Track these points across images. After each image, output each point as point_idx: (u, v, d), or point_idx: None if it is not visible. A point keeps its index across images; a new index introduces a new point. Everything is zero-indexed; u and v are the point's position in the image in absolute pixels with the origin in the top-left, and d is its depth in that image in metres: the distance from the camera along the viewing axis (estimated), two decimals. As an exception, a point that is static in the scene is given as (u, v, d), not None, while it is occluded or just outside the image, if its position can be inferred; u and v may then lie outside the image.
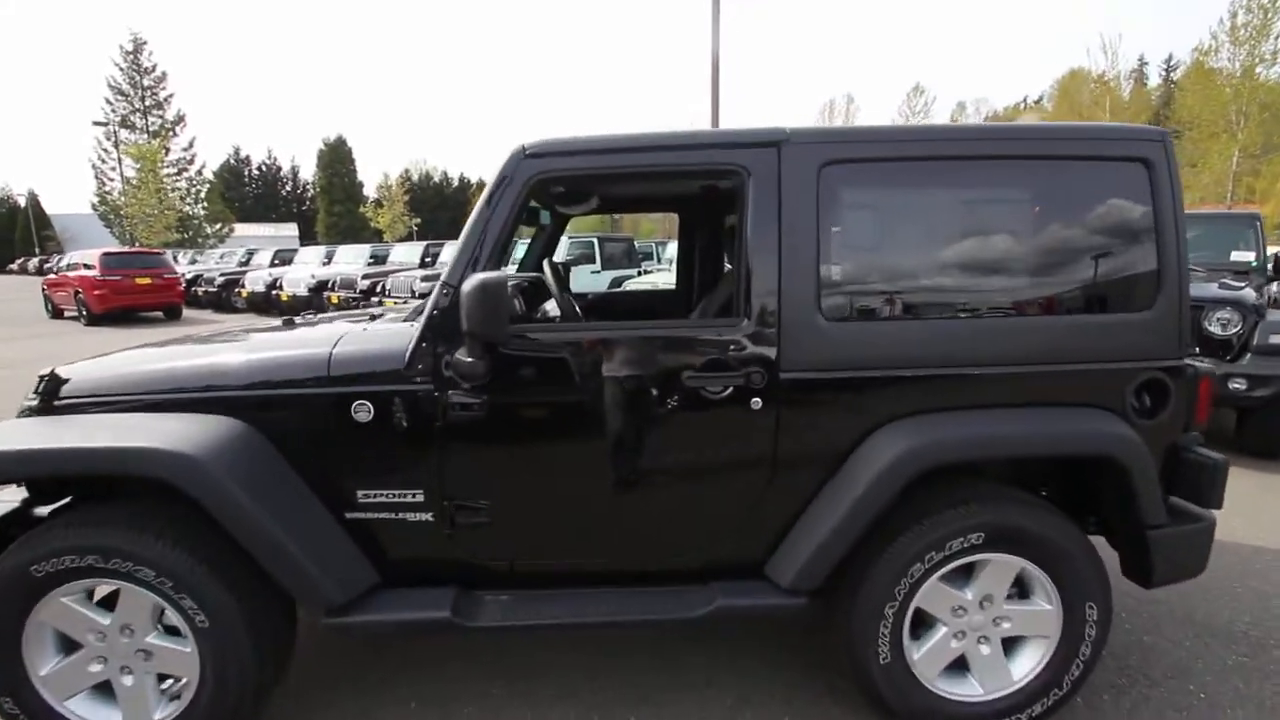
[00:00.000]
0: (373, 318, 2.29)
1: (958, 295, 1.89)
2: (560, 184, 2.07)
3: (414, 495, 1.88)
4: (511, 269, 3.24)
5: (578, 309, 2.32)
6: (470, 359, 1.76)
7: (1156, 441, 1.92)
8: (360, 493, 1.89)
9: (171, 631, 1.83)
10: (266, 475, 1.80)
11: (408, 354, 1.84)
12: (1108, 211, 1.90)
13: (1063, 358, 1.88)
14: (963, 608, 1.92)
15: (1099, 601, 1.91)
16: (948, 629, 1.92)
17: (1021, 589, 1.96)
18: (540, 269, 3.01)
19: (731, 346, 1.85)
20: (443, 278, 1.84)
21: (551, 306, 2.21)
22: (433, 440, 1.85)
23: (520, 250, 3.91)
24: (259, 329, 2.41)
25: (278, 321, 2.46)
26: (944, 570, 1.87)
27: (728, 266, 3.28)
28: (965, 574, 1.92)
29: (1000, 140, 1.86)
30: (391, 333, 1.97)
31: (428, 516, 1.89)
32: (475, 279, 1.66)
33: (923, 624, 1.94)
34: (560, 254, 10.51)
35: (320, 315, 2.61)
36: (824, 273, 1.83)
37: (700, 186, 2.99)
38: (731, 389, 1.84)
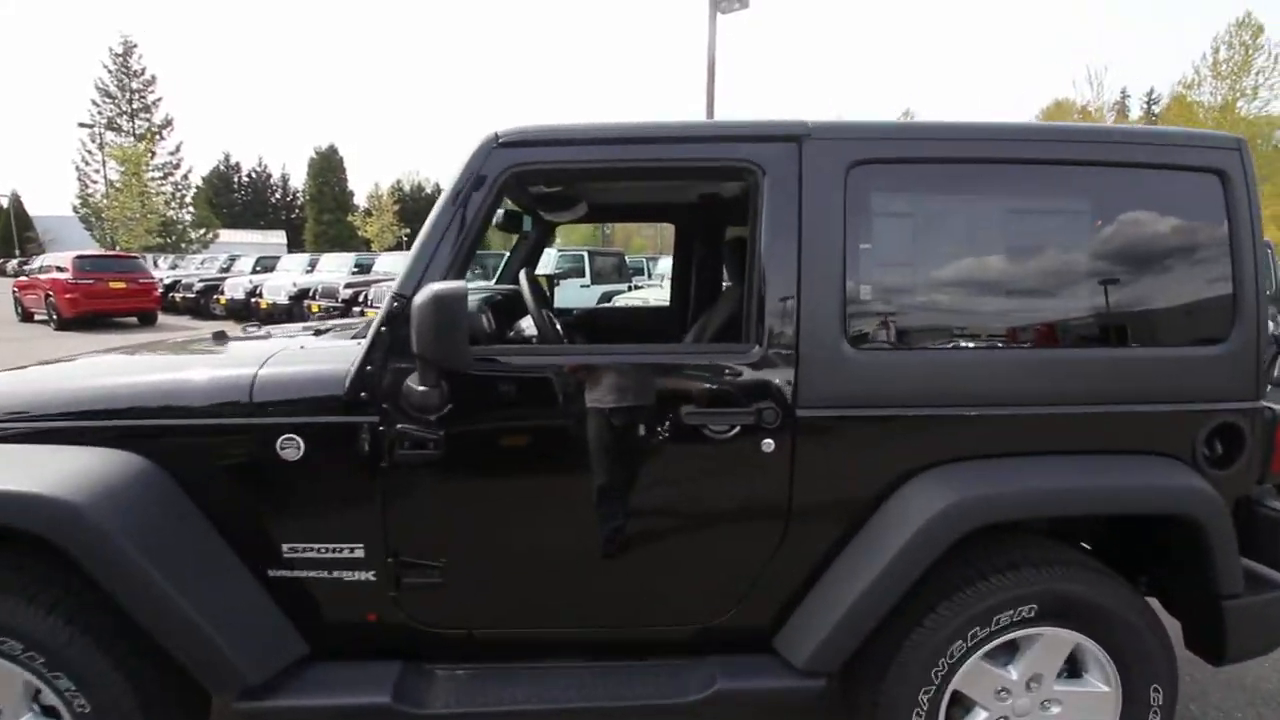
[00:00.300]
0: (317, 333, 1.96)
1: (1006, 322, 1.62)
2: (540, 180, 1.78)
3: (352, 550, 1.56)
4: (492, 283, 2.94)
5: (559, 328, 2.02)
6: (424, 387, 1.45)
7: (1228, 495, 1.64)
8: (286, 546, 1.56)
9: (51, 714, 1.49)
10: (169, 525, 1.47)
11: (349, 378, 1.53)
12: (1178, 228, 1.64)
13: (1127, 397, 1.60)
14: (1006, 689, 1.61)
15: (1165, 684, 1.62)
16: (988, 714, 1.62)
17: (1073, 667, 1.66)
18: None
19: (739, 377, 1.55)
20: (393, 288, 1.53)
21: (528, 325, 1.90)
22: (377, 484, 1.53)
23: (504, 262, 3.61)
24: (184, 343, 2.08)
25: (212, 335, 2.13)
26: (988, 647, 1.57)
27: (726, 283, 3.00)
28: (1010, 649, 1.63)
29: (1060, 142, 1.59)
30: (332, 352, 1.66)
31: (368, 576, 1.57)
32: (429, 290, 1.35)
33: (958, 705, 1.64)
34: (549, 267, 10.24)
35: (264, 329, 2.28)
36: (850, 291, 1.54)
37: (699, 196, 2.72)
38: (738, 428, 1.54)
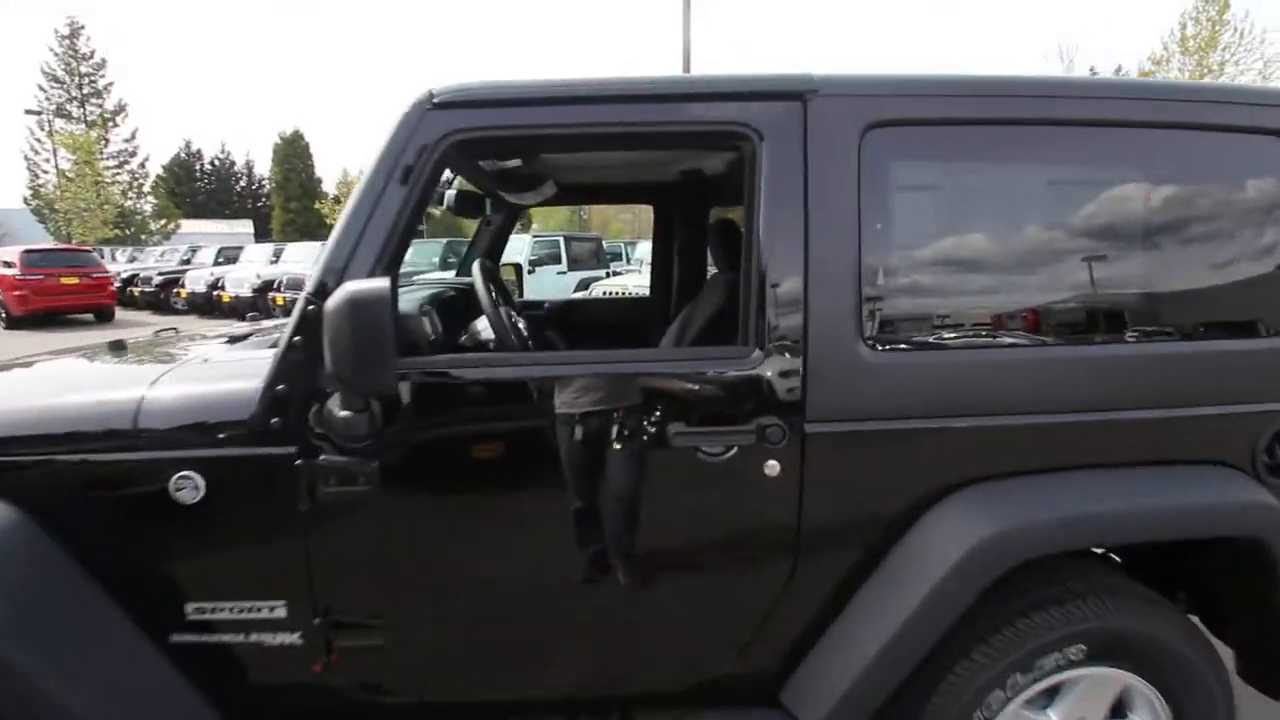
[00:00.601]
0: (233, 339, 1.65)
1: (1052, 313, 1.37)
2: (489, 150, 1.49)
3: (271, 609, 1.28)
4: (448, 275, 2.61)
5: (523, 327, 1.73)
6: (346, 412, 1.16)
7: None
8: (191, 606, 1.28)
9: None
10: (34, 587, 1.18)
11: (257, 400, 1.24)
12: (1241, 202, 1.41)
13: (1186, 398, 1.37)
14: (1046, 739, 1.40)
15: None
16: (1027, 768, 1.40)
17: (1117, 707, 1.45)
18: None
19: (736, 388, 1.29)
20: (307, 287, 1.24)
21: (484, 327, 1.61)
22: (297, 530, 1.25)
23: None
24: (71, 355, 1.75)
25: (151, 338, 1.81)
26: (1028, 693, 1.35)
27: (711, 270, 2.74)
28: (1050, 691, 1.41)
29: (1118, 100, 1.33)
30: (241, 366, 1.36)
31: (293, 639, 1.29)
32: (342, 291, 1.07)
33: (991, 758, 1.42)
34: (523, 255, 9.86)
35: (180, 333, 1.96)
36: (868, 281, 1.29)
37: (680, 172, 2.44)
38: (736, 449, 1.28)
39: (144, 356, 1.63)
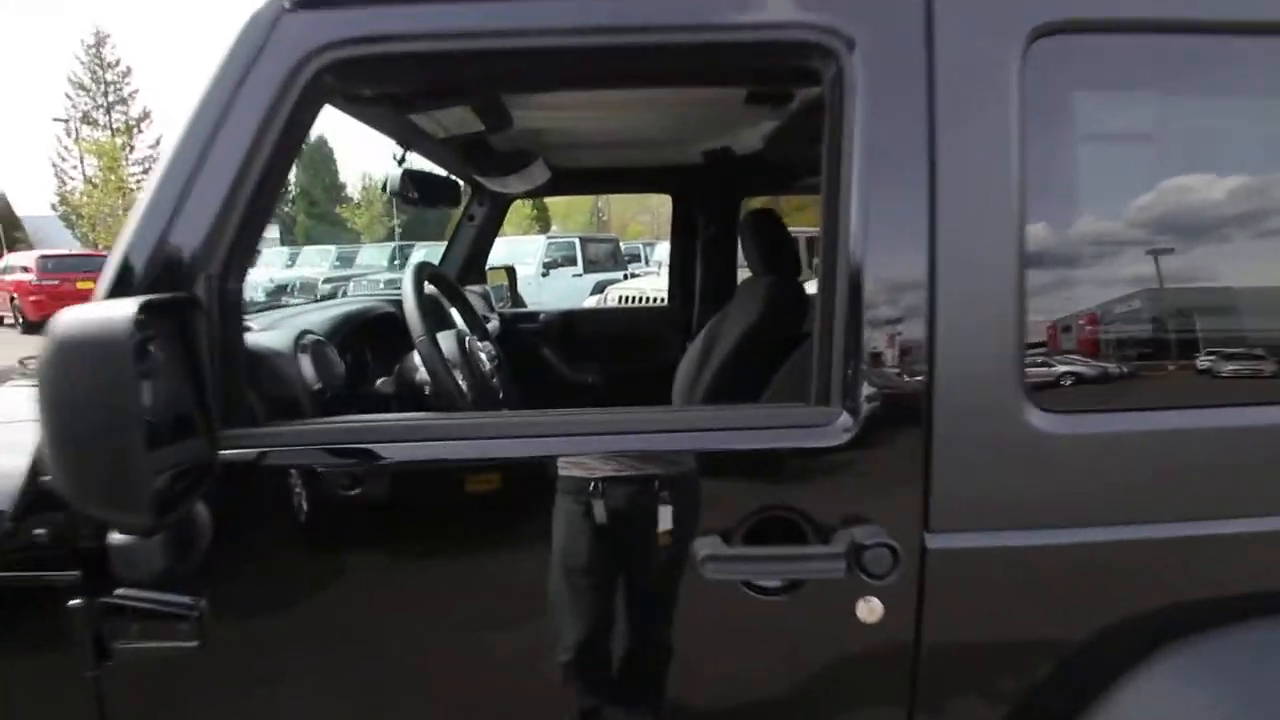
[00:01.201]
0: None
1: None
2: (397, 80, 0.98)
3: None
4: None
5: (485, 358, 1.23)
6: (122, 538, 0.67)
7: None
8: None
9: None
10: None
11: (17, 496, 0.75)
12: None
13: None
14: None
15: None
16: None
17: None
18: (468, 278, 1.93)
19: (807, 476, 0.77)
20: (94, 298, 0.75)
21: (419, 368, 1.07)
22: (84, 706, 0.77)
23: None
24: None
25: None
26: None
27: (744, 271, 2.22)
28: None
29: None
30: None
31: None
32: (54, 326, 0.58)
33: None
34: (534, 258, 9.41)
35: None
36: (1038, 293, 0.76)
37: (704, 153, 1.93)
38: (809, 582, 0.76)
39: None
